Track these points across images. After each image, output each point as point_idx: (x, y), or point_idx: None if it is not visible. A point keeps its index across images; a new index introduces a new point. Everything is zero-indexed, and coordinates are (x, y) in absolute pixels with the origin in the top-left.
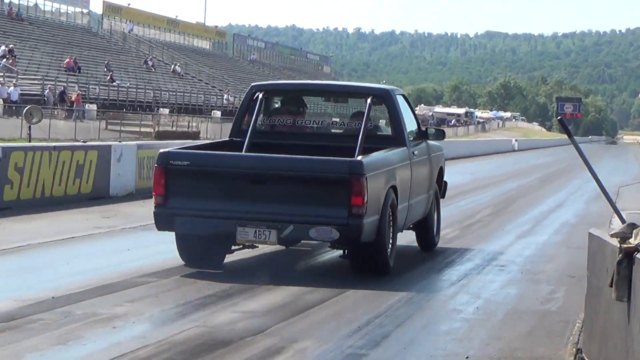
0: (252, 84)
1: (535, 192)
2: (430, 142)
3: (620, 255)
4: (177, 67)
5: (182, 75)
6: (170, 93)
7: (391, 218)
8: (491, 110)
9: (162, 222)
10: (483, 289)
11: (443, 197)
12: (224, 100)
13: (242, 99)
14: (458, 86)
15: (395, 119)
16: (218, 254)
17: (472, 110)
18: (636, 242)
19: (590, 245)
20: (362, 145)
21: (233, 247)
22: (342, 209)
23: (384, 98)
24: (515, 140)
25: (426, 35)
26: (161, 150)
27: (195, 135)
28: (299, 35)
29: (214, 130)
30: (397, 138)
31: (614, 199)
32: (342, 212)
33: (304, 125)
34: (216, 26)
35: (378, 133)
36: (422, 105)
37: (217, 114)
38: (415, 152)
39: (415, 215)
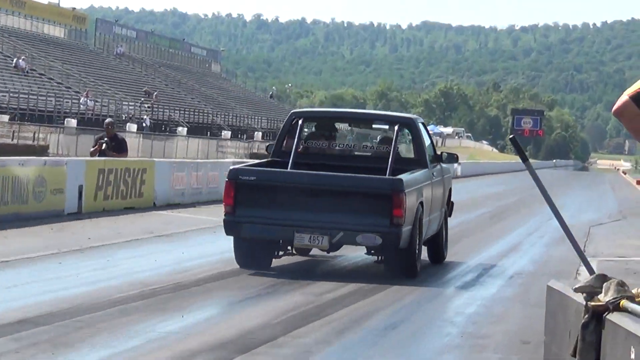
0: (293, 110)
1: (483, 232)
2: (443, 165)
3: (586, 316)
4: (20, 60)
5: (27, 72)
6: (11, 95)
7: (419, 229)
8: (428, 124)
9: (231, 228)
10: None
11: (450, 215)
12: (81, 106)
13: (282, 124)
14: (385, 92)
15: (419, 144)
16: (267, 258)
17: None
18: (607, 300)
19: (549, 302)
20: (392, 166)
21: (280, 253)
22: (385, 219)
23: (409, 126)
24: (458, 163)
25: (345, 25)
26: (231, 167)
27: (42, 150)
28: (181, 23)
29: (67, 143)
30: (419, 160)
31: (583, 242)
32: (384, 221)
33: (338, 148)
34: (73, 8)
35: (402, 156)
36: None
37: (72, 122)
38: (434, 174)
39: (432, 230)
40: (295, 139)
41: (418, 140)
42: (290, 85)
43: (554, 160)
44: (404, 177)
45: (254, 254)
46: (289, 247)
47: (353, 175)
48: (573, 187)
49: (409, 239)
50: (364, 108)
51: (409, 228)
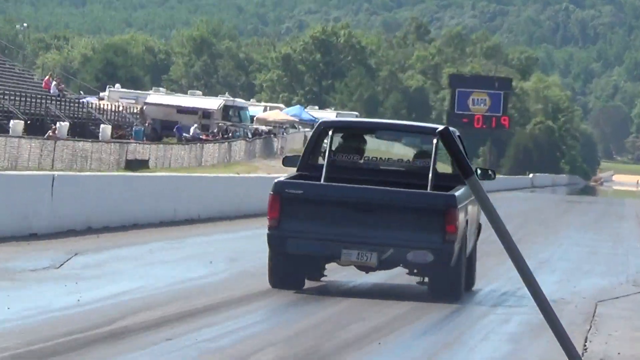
0: (321, 120)
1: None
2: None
3: None
4: None
5: None
6: None
7: (465, 249)
8: (290, 103)
9: (275, 242)
10: None
11: (477, 238)
12: None
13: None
14: (208, 41)
15: (459, 158)
16: (301, 279)
17: (241, 103)
18: None
19: None
20: (433, 182)
21: (314, 274)
22: (437, 235)
23: (446, 137)
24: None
25: None
26: (276, 180)
27: None
28: None
29: None
30: (458, 176)
31: (584, 333)
32: (437, 238)
33: (369, 161)
34: None
35: (439, 171)
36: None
37: None
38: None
39: (467, 251)
40: (327, 151)
41: (457, 155)
42: (25, 25)
43: (531, 175)
44: (457, 193)
45: (288, 273)
46: (326, 267)
47: (405, 190)
48: (566, 225)
49: (457, 257)
50: (168, 66)
51: (458, 246)
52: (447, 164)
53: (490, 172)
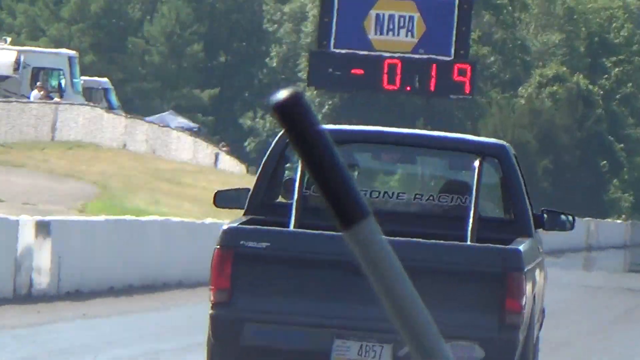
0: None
1: None
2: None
3: None
4: None
5: None
6: None
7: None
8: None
9: (225, 329)
10: None
11: (540, 327)
12: None
13: (268, 153)
14: None
15: (518, 194)
16: None
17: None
18: None
19: None
20: (475, 233)
21: None
22: (491, 316)
23: (501, 159)
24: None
25: None
26: (226, 226)
27: None
28: None
29: None
30: (518, 223)
31: None
32: (490, 321)
33: (370, 198)
34: None
35: (482, 214)
36: None
37: None
38: (540, 248)
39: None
40: (297, 182)
41: (517, 187)
42: None
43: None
44: (523, 247)
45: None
46: None
47: (436, 242)
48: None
49: (521, 354)
50: None
51: (524, 335)
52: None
53: (565, 218)
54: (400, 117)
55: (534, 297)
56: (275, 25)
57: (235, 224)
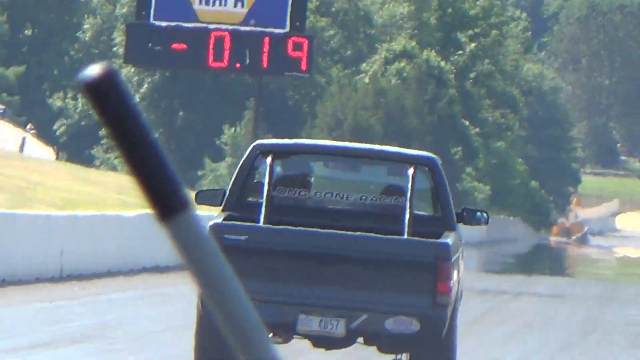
0: (256, 143)
1: None
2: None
3: None
4: None
5: None
6: None
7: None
8: None
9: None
10: None
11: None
12: None
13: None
14: None
15: (443, 196)
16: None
17: None
18: None
19: None
20: (410, 228)
21: None
22: (425, 297)
23: (430, 168)
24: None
25: None
26: (212, 222)
27: None
28: None
29: None
30: (444, 220)
31: None
32: (424, 300)
33: (327, 199)
34: None
35: (415, 213)
36: None
37: None
38: (461, 240)
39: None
40: (265, 185)
41: (442, 190)
42: None
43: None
44: (449, 240)
45: (222, 353)
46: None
47: (385, 237)
48: None
49: (450, 327)
50: None
51: (450, 313)
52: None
53: (480, 214)
54: (229, 99)
55: (458, 280)
56: None
57: (219, 221)
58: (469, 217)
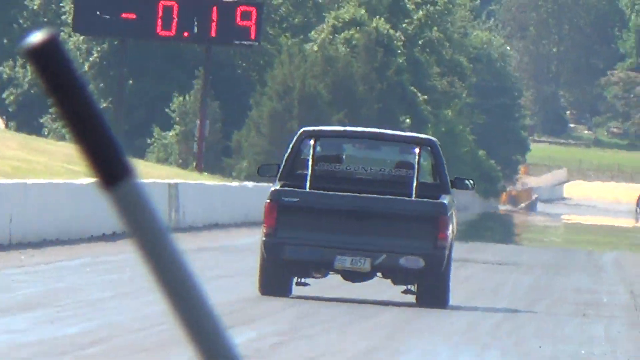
0: (302, 129)
1: None
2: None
3: None
4: None
5: None
6: None
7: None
8: None
9: (272, 249)
10: None
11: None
12: None
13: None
14: None
15: (441, 169)
16: (287, 286)
17: None
18: None
19: None
20: (417, 192)
21: (302, 280)
22: (428, 242)
23: (431, 148)
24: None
25: None
26: (273, 188)
27: None
28: None
29: None
30: (442, 186)
31: None
32: (428, 244)
33: (355, 171)
34: None
35: (421, 180)
36: None
37: None
38: (454, 200)
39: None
40: (310, 160)
41: (441, 164)
42: None
43: None
44: (446, 201)
45: (278, 280)
46: (314, 273)
47: (398, 198)
48: None
49: (446, 264)
50: None
51: (447, 252)
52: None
53: (467, 182)
54: (179, 67)
55: (452, 230)
56: None
57: (277, 187)
58: (459, 184)
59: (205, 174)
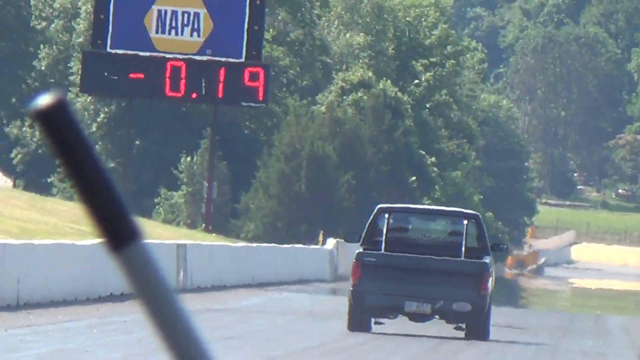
0: (379, 206)
1: None
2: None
3: None
4: None
5: None
6: None
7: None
8: None
9: (357, 297)
10: None
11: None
12: None
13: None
14: None
15: (483, 236)
16: (367, 324)
17: None
18: None
19: None
20: (465, 254)
21: (380, 320)
22: (474, 292)
23: (476, 220)
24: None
25: None
26: (357, 251)
27: None
28: None
29: None
30: (484, 249)
31: None
32: (474, 293)
33: (417, 238)
34: None
35: (468, 245)
36: None
37: None
38: (493, 261)
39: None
40: (385, 229)
41: (482, 233)
42: None
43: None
44: (487, 260)
45: (362, 320)
46: (390, 316)
47: (453, 259)
48: None
49: (487, 308)
50: None
51: (489, 300)
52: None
53: (503, 246)
54: (186, 127)
55: (492, 282)
56: (45, 23)
57: (361, 250)
58: (497, 247)
59: (214, 235)
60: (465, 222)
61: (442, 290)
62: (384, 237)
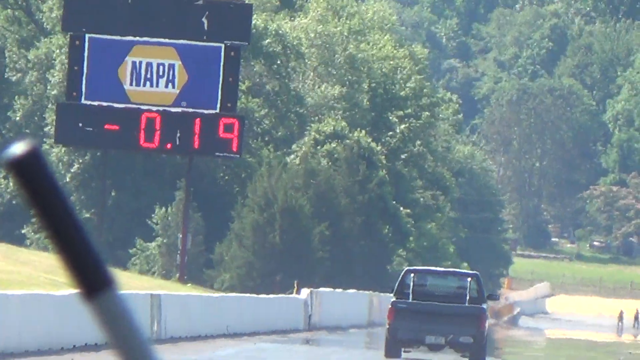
0: (407, 268)
1: None
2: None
3: None
4: None
5: None
6: None
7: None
8: None
9: (392, 332)
10: None
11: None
12: None
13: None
14: None
15: (481, 289)
16: (399, 353)
17: None
18: None
19: None
20: (469, 301)
21: (407, 349)
22: (475, 329)
23: (476, 278)
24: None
25: None
26: (392, 300)
27: None
28: None
29: None
30: (481, 298)
31: None
32: (474, 330)
33: (434, 290)
34: None
35: (470, 295)
36: None
37: None
38: (487, 305)
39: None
40: (411, 284)
41: (480, 287)
42: None
43: None
44: (484, 306)
45: (395, 349)
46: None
47: (459, 305)
48: None
49: (485, 340)
50: None
51: (486, 335)
52: None
53: (495, 295)
54: (160, 179)
55: (488, 322)
56: (19, 74)
57: (394, 299)
58: (490, 297)
59: (189, 285)
60: (469, 279)
61: (452, 328)
62: (410, 290)
